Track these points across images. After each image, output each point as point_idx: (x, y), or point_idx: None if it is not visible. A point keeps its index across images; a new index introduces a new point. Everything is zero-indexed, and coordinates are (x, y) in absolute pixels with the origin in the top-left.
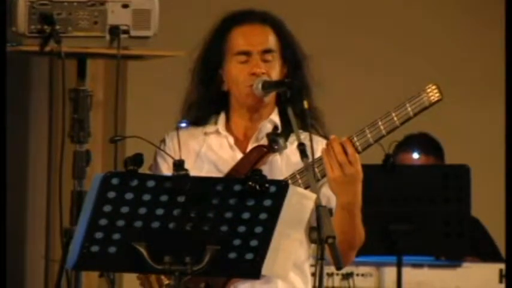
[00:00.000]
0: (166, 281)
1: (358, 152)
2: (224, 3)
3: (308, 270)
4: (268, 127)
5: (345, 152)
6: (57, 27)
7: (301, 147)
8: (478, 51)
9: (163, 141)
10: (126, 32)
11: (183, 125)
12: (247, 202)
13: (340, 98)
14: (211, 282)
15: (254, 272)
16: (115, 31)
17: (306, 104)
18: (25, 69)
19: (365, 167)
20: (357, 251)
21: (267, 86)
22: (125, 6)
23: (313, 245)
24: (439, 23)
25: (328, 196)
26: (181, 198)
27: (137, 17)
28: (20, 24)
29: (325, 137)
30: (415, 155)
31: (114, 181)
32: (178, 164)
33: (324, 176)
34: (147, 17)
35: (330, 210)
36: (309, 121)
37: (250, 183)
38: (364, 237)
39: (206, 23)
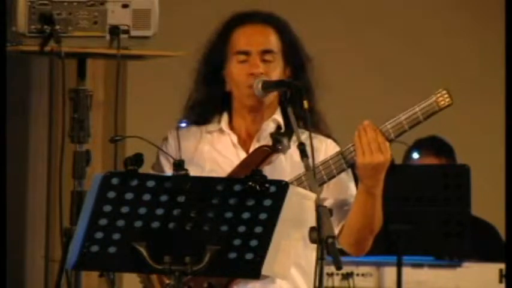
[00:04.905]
0: (167, 281)
1: (390, 141)
2: (224, 3)
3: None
4: (271, 126)
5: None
6: (57, 27)
7: (301, 147)
8: (478, 51)
9: (165, 139)
10: (126, 32)
11: (183, 124)
12: (247, 202)
13: (344, 98)
14: (214, 282)
15: (254, 272)
16: (115, 31)
17: (306, 104)
18: (25, 69)
19: None
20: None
21: (267, 86)
22: (125, 6)
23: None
24: (439, 23)
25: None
26: (181, 198)
27: (137, 17)
28: (20, 24)
29: (329, 136)
30: (415, 155)
31: (114, 181)
32: (178, 164)
33: (349, 165)
34: (147, 17)
35: (330, 211)
36: (309, 121)
37: (250, 183)
38: (382, 222)
39: (206, 22)
